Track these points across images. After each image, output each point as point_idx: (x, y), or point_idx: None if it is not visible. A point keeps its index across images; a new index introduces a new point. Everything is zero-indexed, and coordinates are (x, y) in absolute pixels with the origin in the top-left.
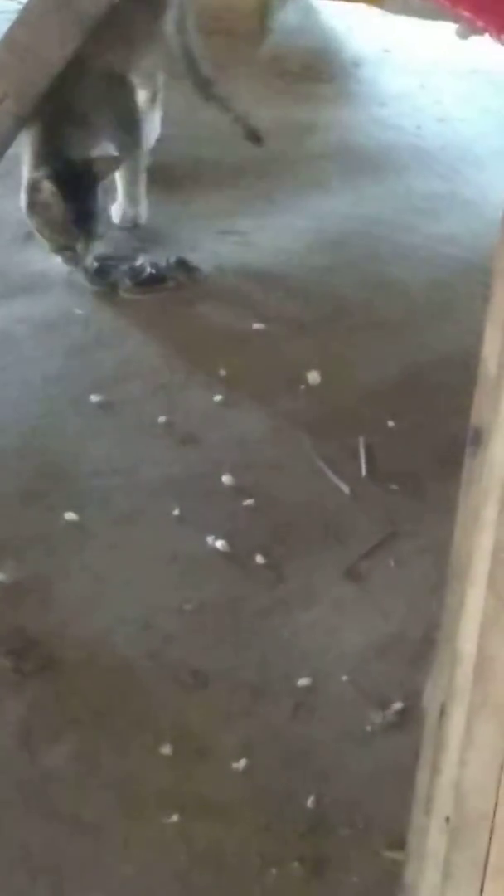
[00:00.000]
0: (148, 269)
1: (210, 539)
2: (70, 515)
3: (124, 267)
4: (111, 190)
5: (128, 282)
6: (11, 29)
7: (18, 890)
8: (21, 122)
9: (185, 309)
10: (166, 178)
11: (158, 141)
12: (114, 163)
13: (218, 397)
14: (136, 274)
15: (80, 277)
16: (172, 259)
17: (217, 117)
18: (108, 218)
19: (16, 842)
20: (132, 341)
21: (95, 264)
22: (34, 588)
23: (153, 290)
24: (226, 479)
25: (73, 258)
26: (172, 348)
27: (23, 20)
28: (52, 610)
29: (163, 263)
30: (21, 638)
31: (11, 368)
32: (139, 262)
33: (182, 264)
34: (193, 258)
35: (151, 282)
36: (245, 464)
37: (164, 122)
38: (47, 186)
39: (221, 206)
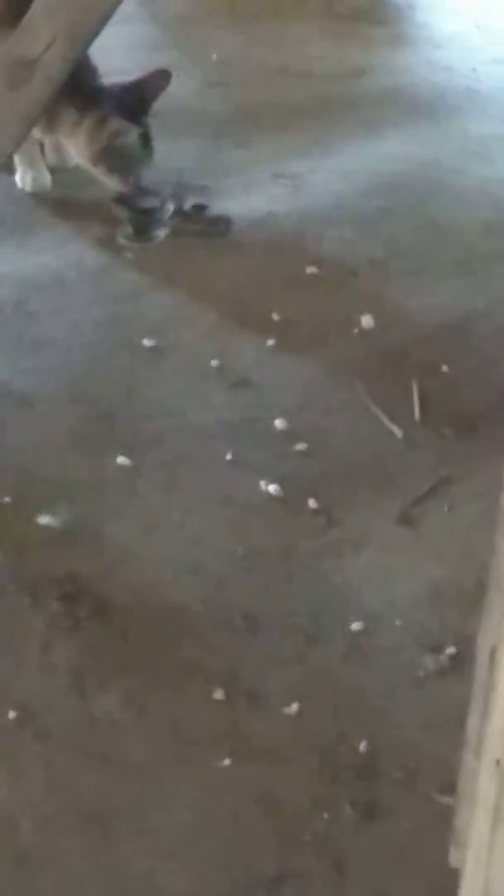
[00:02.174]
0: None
1: (262, 483)
2: (122, 459)
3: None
4: None
5: (129, 230)
6: None
7: (70, 833)
8: (70, 66)
9: (236, 253)
10: (220, 122)
11: (212, 85)
12: (163, 79)
13: (270, 341)
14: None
15: (119, 236)
16: (189, 205)
17: (268, 61)
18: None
19: (67, 786)
20: (184, 286)
21: (129, 228)
22: (86, 532)
23: (149, 238)
24: (278, 423)
25: (139, 186)
26: (225, 293)
27: None
28: (103, 554)
29: (177, 207)
30: (73, 582)
31: (64, 313)
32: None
33: (200, 210)
34: (230, 206)
35: (147, 228)
36: (297, 408)
37: (221, 66)
38: (114, 120)
39: (275, 149)
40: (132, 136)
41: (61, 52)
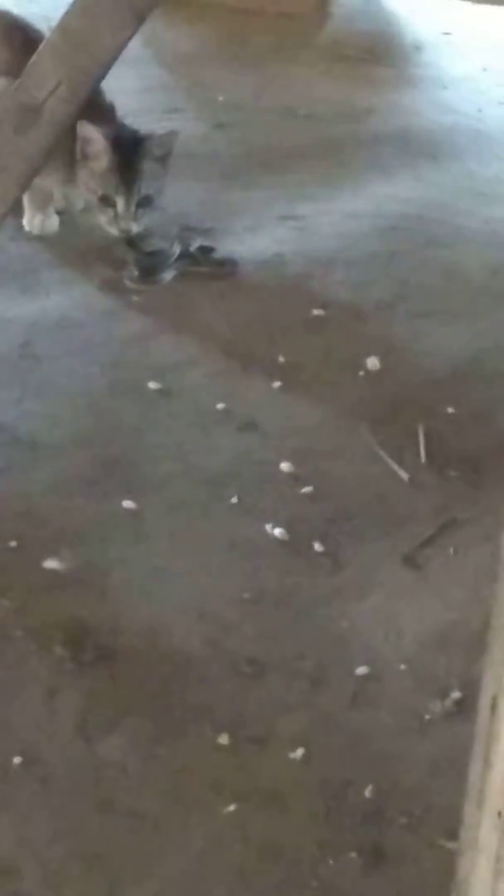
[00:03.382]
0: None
1: (268, 527)
2: (127, 503)
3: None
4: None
5: (135, 273)
6: (66, 15)
7: (74, 881)
8: (75, 110)
9: (243, 295)
10: (227, 164)
11: (218, 127)
12: (168, 140)
13: (276, 384)
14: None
15: (125, 278)
16: (195, 247)
17: (274, 103)
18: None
19: (71, 832)
20: (190, 329)
21: (135, 271)
22: (91, 577)
23: (156, 280)
24: (284, 466)
25: (115, 218)
26: (231, 335)
27: (77, 7)
28: (108, 599)
29: (183, 250)
30: (78, 627)
31: (70, 356)
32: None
33: (206, 252)
34: (237, 248)
35: (153, 271)
36: (304, 451)
37: (227, 107)
38: (101, 138)
39: (281, 190)
40: (105, 157)
41: (67, 96)
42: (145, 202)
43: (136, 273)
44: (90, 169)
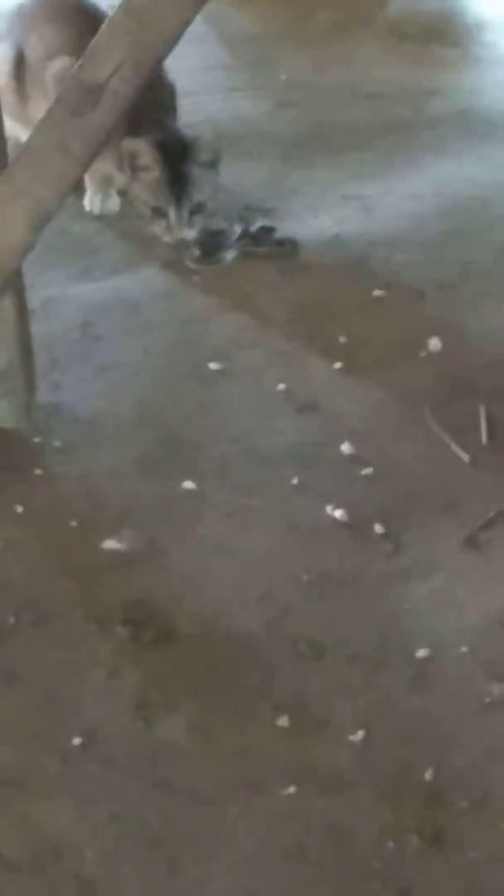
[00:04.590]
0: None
1: (329, 508)
2: (188, 484)
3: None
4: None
5: (196, 252)
6: None
7: (137, 862)
8: (137, 92)
9: (304, 276)
10: (289, 143)
11: (280, 106)
12: (216, 145)
13: (337, 365)
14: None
15: (186, 258)
16: (255, 227)
17: (337, 82)
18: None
19: (133, 814)
20: (251, 308)
21: (196, 251)
22: (151, 557)
23: (216, 260)
24: (345, 447)
25: (168, 227)
26: (291, 315)
27: None
28: (169, 579)
29: (244, 229)
30: (138, 607)
31: (132, 336)
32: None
33: (267, 232)
34: (298, 228)
35: (214, 250)
36: (364, 432)
37: (289, 86)
38: (148, 150)
39: (343, 170)
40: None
41: (129, 75)
42: (198, 209)
43: (197, 253)
44: (141, 181)
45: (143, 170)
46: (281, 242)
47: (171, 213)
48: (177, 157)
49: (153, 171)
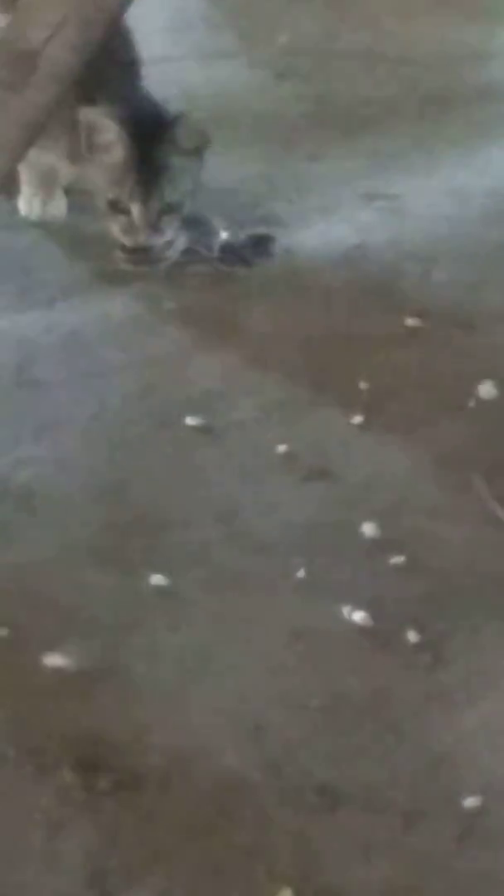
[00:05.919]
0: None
1: (345, 609)
2: (157, 578)
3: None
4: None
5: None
6: None
7: None
8: (81, 57)
9: (312, 301)
10: (291, 126)
11: (280, 77)
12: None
13: (357, 419)
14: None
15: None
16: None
17: (352, 44)
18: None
19: None
20: (241, 345)
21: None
22: (109, 678)
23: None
24: (367, 528)
25: (129, 227)
26: (296, 353)
27: None
28: (132, 707)
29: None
30: (91, 744)
31: (81, 382)
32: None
33: (263, 243)
34: (306, 237)
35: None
36: (393, 508)
37: (291, 51)
38: (110, 124)
39: (363, 161)
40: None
41: (73, 39)
42: (172, 208)
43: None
44: (98, 164)
45: (101, 150)
46: (254, 243)
47: (135, 209)
48: (148, 137)
49: (115, 152)
